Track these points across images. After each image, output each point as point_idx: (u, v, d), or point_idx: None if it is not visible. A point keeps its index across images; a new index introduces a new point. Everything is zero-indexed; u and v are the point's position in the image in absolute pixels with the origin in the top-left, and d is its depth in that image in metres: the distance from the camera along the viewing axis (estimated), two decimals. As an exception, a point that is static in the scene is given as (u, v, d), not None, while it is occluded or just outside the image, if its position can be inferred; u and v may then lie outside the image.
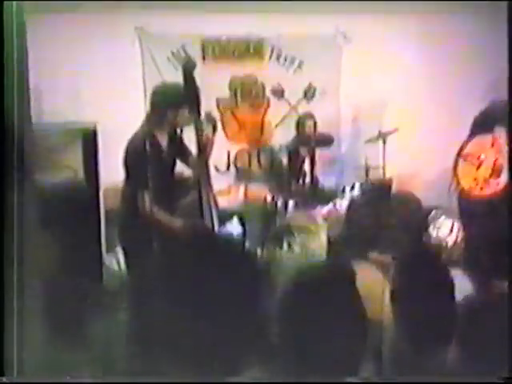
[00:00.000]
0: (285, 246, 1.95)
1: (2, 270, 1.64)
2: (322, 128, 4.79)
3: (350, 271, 1.45)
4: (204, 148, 3.26)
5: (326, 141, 4.69)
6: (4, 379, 1.60)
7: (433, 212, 2.60)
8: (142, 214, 3.01)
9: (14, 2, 1.63)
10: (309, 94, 5.15)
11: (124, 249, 3.37)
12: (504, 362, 1.40)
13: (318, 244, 1.96)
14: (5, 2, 1.62)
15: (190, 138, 3.48)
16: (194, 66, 3.34)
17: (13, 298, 1.63)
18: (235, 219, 3.47)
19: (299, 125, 4.83)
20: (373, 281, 1.70)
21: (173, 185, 3.44)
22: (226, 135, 4.98)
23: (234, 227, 3.45)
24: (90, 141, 3.94)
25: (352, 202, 2.46)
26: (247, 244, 4.14)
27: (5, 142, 1.63)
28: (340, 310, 1.35)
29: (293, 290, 1.41)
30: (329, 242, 2.00)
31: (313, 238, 1.95)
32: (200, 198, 3.27)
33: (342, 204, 4.32)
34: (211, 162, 4.61)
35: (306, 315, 1.34)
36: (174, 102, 3.12)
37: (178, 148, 3.33)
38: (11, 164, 1.64)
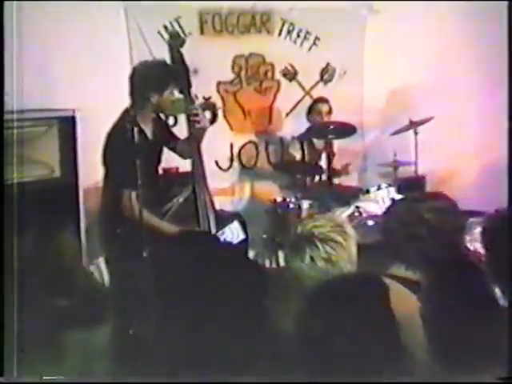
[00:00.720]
0: (307, 259, 1.94)
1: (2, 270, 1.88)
2: (341, 116, 4.79)
3: (382, 285, 1.47)
4: (196, 133, 3.29)
5: (347, 131, 4.69)
6: (3, 379, 1.80)
7: (470, 220, 2.59)
8: (129, 218, 3.02)
9: (15, 2, 1.73)
10: (326, 75, 5.15)
11: (107, 260, 3.39)
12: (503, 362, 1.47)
13: (347, 258, 1.95)
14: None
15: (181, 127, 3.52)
16: (181, 41, 3.35)
17: (13, 298, 1.86)
18: (236, 223, 3.50)
19: (311, 111, 4.84)
20: (402, 300, 1.71)
21: (162, 182, 3.46)
22: (229, 125, 4.98)
23: (234, 232, 3.47)
24: (67, 131, 3.96)
25: (393, 206, 2.45)
26: (251, 253, 4.16)
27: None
28: (371, 330, 1.38)
29: (316, 305, 1.43)
30: (358, 254, 2.01)
31: (341, 250, 1.94)
32: (195, 197, 3.30)
33: (367, 206, 4.33)
34: (211, 157, 4.66)
35: (331, 333, 1.37)
36: (158, 84, 3.14)
37: (164, 135, 3.35)
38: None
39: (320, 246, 1.92)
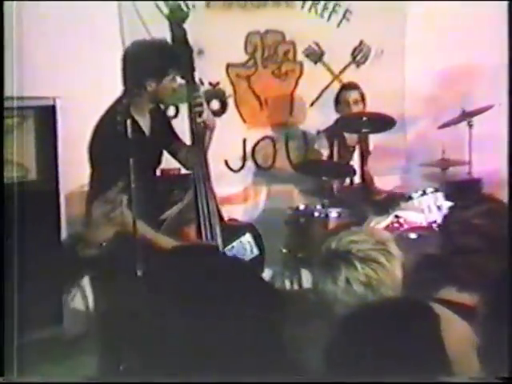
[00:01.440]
0: (341, 280, 1.93)
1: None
2: (378, 105, 4.77)
3: (431, 313, 1.45)
4: (201, 134, 3.29)
5: (384, 124, 4.67)
6: (3, 379, 2.00)
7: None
8: (120, 228, 3.03)
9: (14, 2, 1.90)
10: (359, 56, 5.15)
11: (93, 280, 3.40)
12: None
13: (390, 283, 1.94)
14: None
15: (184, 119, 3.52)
16: (183, 16, 3.38)
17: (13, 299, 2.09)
18: (248, 236, 3.50)
19: (339, 100, 4.81)
20: (455, 332, 1.69)
21: (160, 186, 3.47)
22: (241, 117, 5.00)
23: (246, 247, 3.47)
24: (46, 124, 3.98)
25: (441, 216, 2.46)
26: (268, 272, 4.15)
27: None
28: (417, 370, 1.37)
29: (348, 338, 1.42)
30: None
31: (383, 274, 1.93)
32: (196, 204, 3.30)
33: (408, 216, 4.31)
34: (220, 156, 4.66)
35: (366, 372, 1.36)
36: (156, 68, 3.16)
37: (163, 134, 3.36)
38: None
39: (359, 266, 1.90)
